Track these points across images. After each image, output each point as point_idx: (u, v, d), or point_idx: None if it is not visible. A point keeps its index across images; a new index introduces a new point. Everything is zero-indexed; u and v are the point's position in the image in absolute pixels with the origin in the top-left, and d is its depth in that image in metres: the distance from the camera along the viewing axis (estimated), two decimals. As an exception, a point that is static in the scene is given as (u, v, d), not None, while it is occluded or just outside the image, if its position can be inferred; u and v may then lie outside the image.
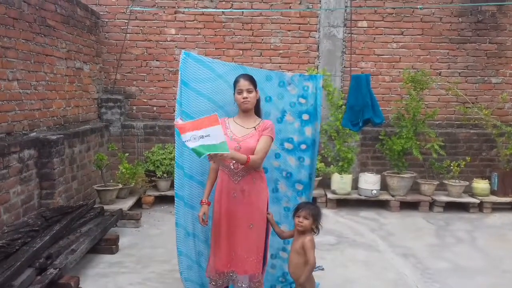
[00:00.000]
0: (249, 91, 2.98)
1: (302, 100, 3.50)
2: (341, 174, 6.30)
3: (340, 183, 6.29)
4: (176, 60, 6.68)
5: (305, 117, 3.51)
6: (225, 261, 2.98)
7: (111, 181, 6.16)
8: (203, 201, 3.06)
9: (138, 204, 6.07)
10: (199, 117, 3.20)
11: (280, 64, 6.86)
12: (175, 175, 3.17)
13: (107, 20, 6.72)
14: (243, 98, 2.97)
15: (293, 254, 3.04)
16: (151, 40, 6.81)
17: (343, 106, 6.44)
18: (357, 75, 4.95)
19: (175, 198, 3.18)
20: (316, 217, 2.98)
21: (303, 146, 3.52)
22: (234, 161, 2.91)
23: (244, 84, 2.98)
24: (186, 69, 3.13)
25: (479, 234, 5.32)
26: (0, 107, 4.00)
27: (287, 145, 3.51)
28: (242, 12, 6.78)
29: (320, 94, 3.51)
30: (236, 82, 3.03)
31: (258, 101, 3.11)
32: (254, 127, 3.01)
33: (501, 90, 6.93)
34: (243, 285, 2.99)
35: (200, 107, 3.17)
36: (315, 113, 3.51)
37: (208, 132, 2.61)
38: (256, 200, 3.00)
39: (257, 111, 3.12)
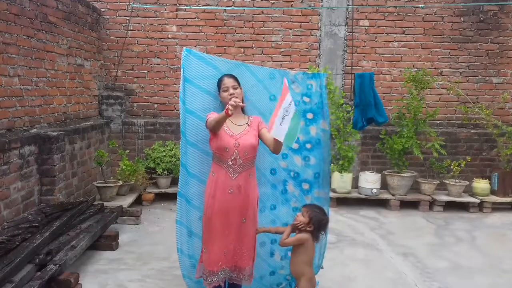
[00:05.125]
0: (234, 88, 2.98)
1: (306, 99, 3.45)
2: (341, 173, 6.30)
3: (340, 181, 6.29)
4: (177, 57, 6.69)
5: (310, 116, 3.46)
6: (217, 259, 2.94)
7: (111, 178, 6.16)
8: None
9: (138, 201, 6.08)
10: (204, 114, 3.07)
11: (281, 62, 6.85)
12: (180, 173, 3.09)
13: (108, 17, 6.72)
14: (230, 94, 2.94)
15: (292, 253, 3.03)
16: (152, 37, 6.80)
17: (344, 105, 6.44)
18: (361, 73, 4.76)
19: (178, 197, 3.07)
20: (314, 221, 2.93)
21: (308, 145, 3.47)
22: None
23: (229, 81, 2.99)
24: (188, 66, 3.07)
25: (479, 234, 5.32)
26: (1, 103, 4.00)
27: (293, 144, 3.47)
28: (244, 10, 6.77)
29: (325, 92, 3.47)
30: (220, 81, 3.02)
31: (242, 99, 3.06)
32: (247, 123, 3.00)
33: (502, 90, 6.93)
34: (233, 276, 2.99)
35: (204, 104, 3.11)
36: (319, 112, 3.47)
37: (286, 104, 2.54)
38: (251, 194, 2.98)
39: (242, 108, 3.09)
